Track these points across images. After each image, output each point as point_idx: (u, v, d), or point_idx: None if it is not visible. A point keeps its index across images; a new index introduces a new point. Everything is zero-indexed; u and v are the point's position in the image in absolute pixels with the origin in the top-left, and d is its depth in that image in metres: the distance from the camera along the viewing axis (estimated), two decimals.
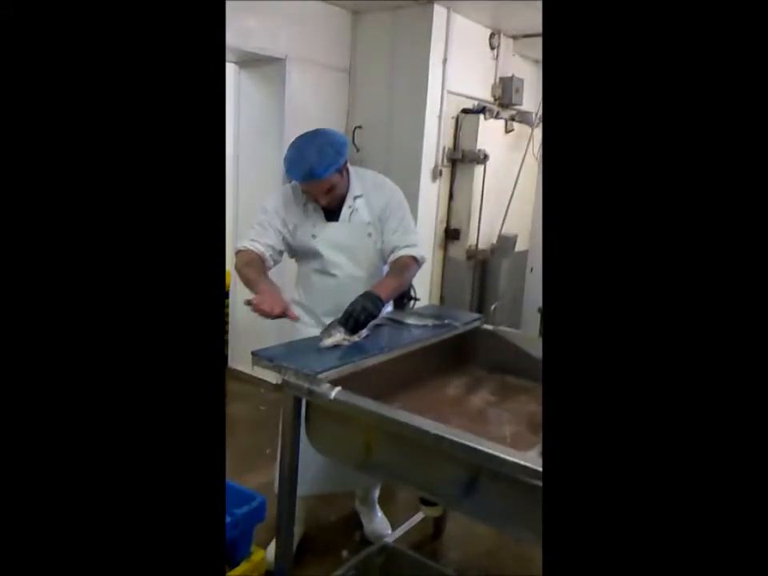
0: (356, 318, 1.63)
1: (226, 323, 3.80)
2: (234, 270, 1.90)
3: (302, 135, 1.87)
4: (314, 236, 1.92)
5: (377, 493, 2.32)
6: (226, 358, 3.87)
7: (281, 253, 1.95)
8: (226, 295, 3.67)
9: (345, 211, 1.93)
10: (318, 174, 1.77)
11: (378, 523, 2.29)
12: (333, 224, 1.93)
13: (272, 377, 3.27)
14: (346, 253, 1.94)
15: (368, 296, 1.71)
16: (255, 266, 1.84)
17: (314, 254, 1.94)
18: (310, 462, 1.65)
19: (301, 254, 1.99)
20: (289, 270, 2.12)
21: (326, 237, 1.92)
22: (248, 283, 1.80)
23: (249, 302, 1.64)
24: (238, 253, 1.89)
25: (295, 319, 1.77)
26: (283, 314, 1.67)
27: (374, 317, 1.69)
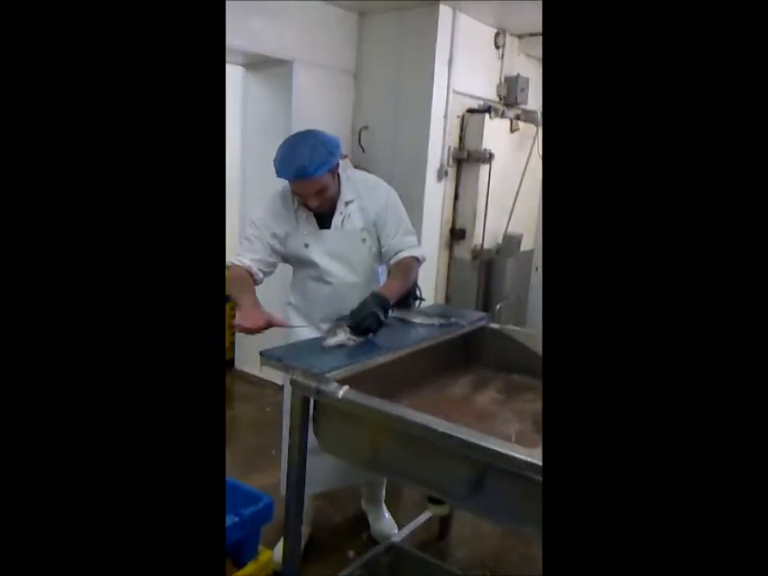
0: (366, 324, 1.62)
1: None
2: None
3: (293, 135, 1.84)
4: (306, 245, 1.89)
5: (383, 492, 2.31)
6: (232, 359, 3.88)
7: (273, 264, 1.92)
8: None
9: (337, 218, 1.89)
10: (310, 173, 1.73)
11: (385, 523, 2.29)
12: (325, 232, 1.90)
13: (278, 378, 3.28)
14: (340, 260, 1.91)
15: (378, 300, 1.68)
16: (238, 283, 1.82)
17: (308, 263, 1.92)
18: (318, 459, 1.65)
19: (294, 261, 1.97)
20: (287, 272, 2.10)
21: (319, 245, 1.89)
22: (232, 299, 1.79)
23: (232, 326, 1.68)
24: (227, 268, 1.85)
25: (284, 325, 1.78)
26: (267, 326, 1.67)
27: (382, 323, 1.67)
